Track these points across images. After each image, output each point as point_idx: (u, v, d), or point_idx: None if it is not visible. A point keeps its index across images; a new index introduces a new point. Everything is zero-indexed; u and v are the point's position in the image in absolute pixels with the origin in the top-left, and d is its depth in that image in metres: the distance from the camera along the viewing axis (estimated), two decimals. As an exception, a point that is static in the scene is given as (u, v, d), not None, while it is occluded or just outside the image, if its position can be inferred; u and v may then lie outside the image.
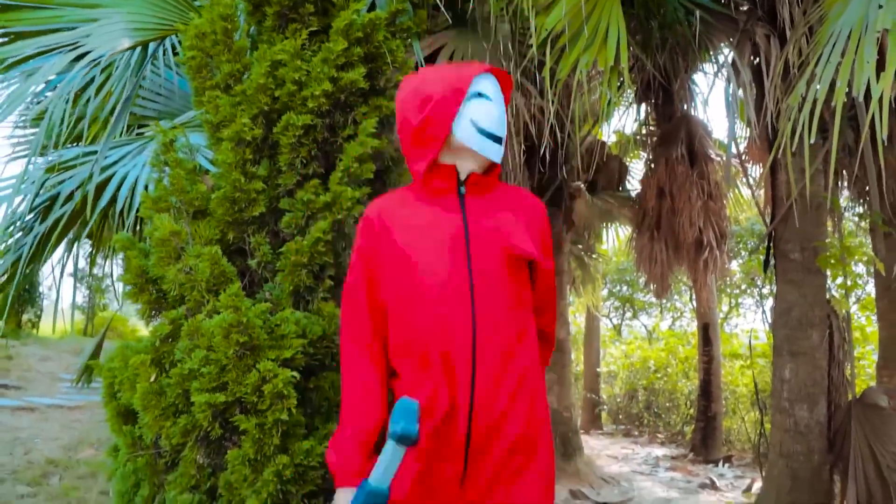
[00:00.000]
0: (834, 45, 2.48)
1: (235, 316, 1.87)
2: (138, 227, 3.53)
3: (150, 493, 2.08)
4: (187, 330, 1.99)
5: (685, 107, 7.75)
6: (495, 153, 1.62)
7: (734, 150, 7.42)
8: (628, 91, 8.03)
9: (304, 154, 2.18)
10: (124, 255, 2.16)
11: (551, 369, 7.06)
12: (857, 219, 5.58)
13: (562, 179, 6.68)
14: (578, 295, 10.43)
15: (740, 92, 4.76)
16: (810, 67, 2.53)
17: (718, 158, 7.98)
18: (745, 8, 4.05)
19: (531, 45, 2.89)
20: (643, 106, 8.16)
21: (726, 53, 4.55)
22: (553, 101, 3.16)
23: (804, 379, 4.10)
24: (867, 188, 5.19)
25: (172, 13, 2.81)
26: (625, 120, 18.13)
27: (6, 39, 2.99)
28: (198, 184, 2.17)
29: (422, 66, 2.48)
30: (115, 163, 3.39)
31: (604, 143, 9.03)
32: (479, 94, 1.60)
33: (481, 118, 1.58)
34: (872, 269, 7.52)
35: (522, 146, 4.55)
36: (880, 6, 2.37)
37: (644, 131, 8.64)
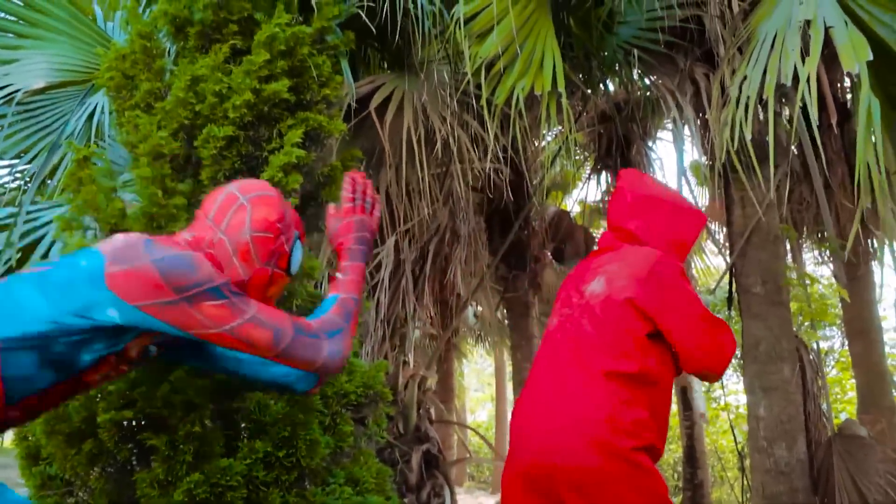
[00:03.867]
0: (762, 45, 2.52)
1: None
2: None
3: (60, 540, 1.87)
4: (97, 349, 1.84)
5: (644, 171, 7.88)
6: None
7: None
8: (587, 165, 8.22)
9: (227, 167, 2.11)
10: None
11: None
12: (815, 253, 5.57)
13: (524, 242, 6.65)
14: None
15: (688, 140, 4.84)
16: (741, 70, 2.56)
17: (680, 219, 8.06)
18: (683, 48, 4.16)
19: (467, 74, 2.91)
20: (603, 175, 8.32)
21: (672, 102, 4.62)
22: (501, 143, 3.16)
23: (779, 414, 3.95)
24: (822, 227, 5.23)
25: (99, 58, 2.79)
26: (586, 190, 18.49)
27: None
28: (114, 201, 2.07)
29: (350, 84, 2.46)
30: (46, 224, 3.27)
31: (568, 213, 9.13)
32: None
33: None
34: (842, 324, 7.49)
35: (478, 200, 4.53)
36: (801, 2, 2.42)
37: (607, 198, 8.76)
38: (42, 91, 2.61)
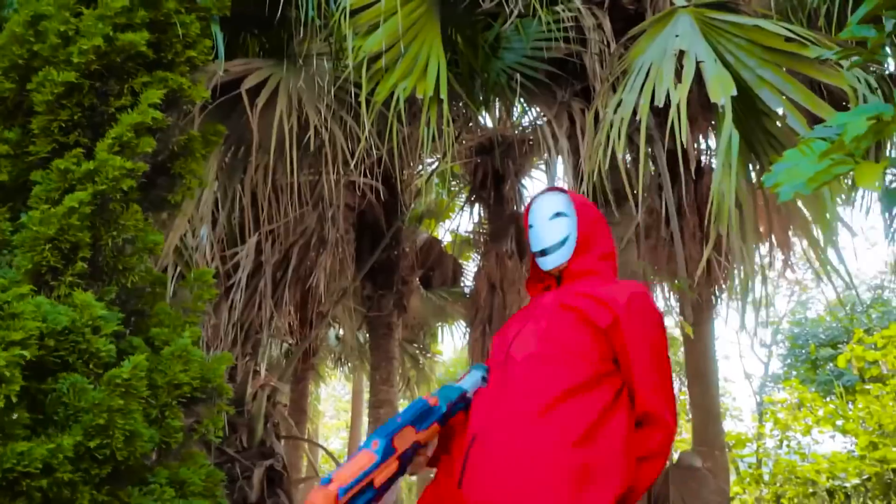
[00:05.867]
0: (637, 74, 2.60)
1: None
2: None
3: None
4: None
5: (515, 207, 8.07)
6: (546, 263, 1.82)
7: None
8: (461, 195, 8.33)
9: (64, 117, 1.86)
10: None
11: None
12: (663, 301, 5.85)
13: (393, 262, 6.56)
14: (413, 395, 10.15)
15: (560, 175, 4.95)
16: (617, 95, 2.63)
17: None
18: (564, 81, 4.26)
19: (347, 66, 2.79)
20: (476, 207, 8.44)
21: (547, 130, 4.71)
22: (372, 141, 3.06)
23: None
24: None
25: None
26: (458, 221, 18.95)
27: None
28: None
29: (220, 50, 2.28)
30: None
31: (439, 241, 9.17)
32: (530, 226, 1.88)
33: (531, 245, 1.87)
34: (680, 371, 7.93)
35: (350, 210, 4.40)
36: (676, 35, 2.53)
37: (479, 229, 8.90)
38: None
